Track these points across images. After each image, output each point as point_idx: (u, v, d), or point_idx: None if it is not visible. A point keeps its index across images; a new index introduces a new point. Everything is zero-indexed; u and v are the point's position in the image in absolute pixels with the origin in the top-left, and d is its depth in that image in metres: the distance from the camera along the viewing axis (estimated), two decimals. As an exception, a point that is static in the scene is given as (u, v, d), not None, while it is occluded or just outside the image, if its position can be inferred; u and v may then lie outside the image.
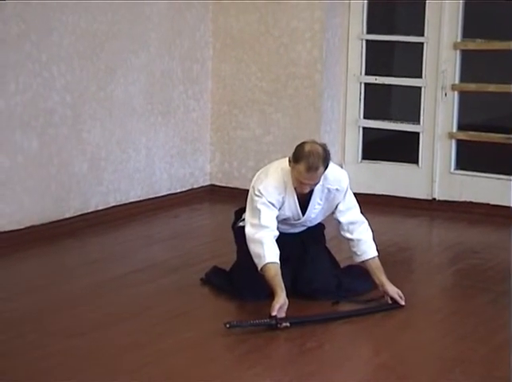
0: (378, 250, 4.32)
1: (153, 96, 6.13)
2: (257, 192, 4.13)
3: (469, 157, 6.45)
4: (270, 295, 4.18)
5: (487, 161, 6.32)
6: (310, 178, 4.03)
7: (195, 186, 6.59)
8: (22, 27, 5.10)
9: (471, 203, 6.24)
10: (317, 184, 4.12)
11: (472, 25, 6.27)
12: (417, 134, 6.43)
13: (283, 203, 4.17)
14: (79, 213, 5.59)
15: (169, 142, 6.31)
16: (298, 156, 4.03)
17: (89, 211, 5.66)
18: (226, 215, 5.02)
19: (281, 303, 3.93)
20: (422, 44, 6.31)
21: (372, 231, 4.36)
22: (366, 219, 4.36)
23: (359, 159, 6.61)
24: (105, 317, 4.03)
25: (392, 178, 6.49)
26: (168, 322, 3.99)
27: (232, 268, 4.45)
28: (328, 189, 4.21)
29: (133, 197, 6.03)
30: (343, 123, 6.59)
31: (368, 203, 6.24)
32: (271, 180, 4.16)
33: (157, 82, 6.14)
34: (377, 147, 6.71)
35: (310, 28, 6.26)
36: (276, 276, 4.03)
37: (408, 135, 6.47)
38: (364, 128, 6.59)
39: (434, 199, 6.39)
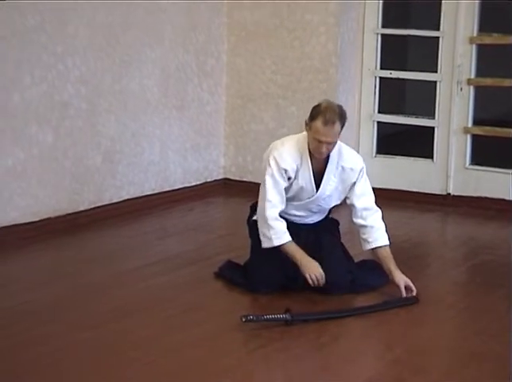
0: (390, 241, 4.32)
1: (168, 90, 6.13)
2: (271, 160, 4.19)
3: (484, 153, 6.42)
4: (283, 290, 4.21)
5: (503, 157, 6.29)
6: (327, 134, 4.06)
7: (208, 180, 6.59)
8: (37, 19, 5.11)
9: (485, 198, 6.22)
10: (334, 146, 4.14)
11: (488, 20, 6.24)
12: (432, 128, 6.40)
13: (297, 172, 4.20)
14: (94, 206, 5.61)
15: (183, 135, 6.32)
16: (314, 113, 4.12)
17: (103, 204, 5.68)
18: (239, 209, 5.02)
19: (313, 272, 4.11)
20: (438, 38, 6.29)
21: (385, 225, 4.35)
22: (384, 213, 4.37)
23: (374, 154, 6.59)
24: (119, 309, 4.04)
25: (407, 173, 6.47)
26: (183, 315, 3.99)
27: (246, 262, 4.46)
28: (342, 167, 4.25)
29: (147, 190, 6.04)
30: (358, 118, 6.57)
31: (382, 198, 6.20)
32: (287, 148, 4.22)
33: (171, 75, 6.14)
34: (391, 142, 6.69)
35: (325, 21, 6.25)
36: (293, 253, 4.17)
37: (423, 130, 6.45)
38: (379, 122, 6.57)
39: (449, 194, 6.37)
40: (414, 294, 4.21)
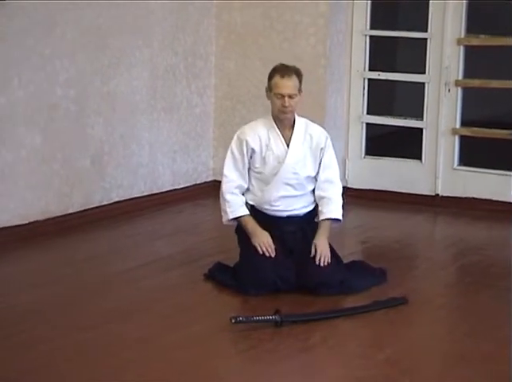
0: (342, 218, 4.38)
1: (157, 92, 6.12)
2: (234, 138, 4.38)
3: (472, 153, 6.44)
4: (273, 291, 4.21)
5: (491, 157, 6.32)
6: (286, 85, 4.25)
7: (198, 182, 6.59)
8: (26, 21, 5.10)
9: (474, 199, 6.24)
10: (296, 104, 4.29)
11: (476, 21, 6.26)
12: (421, 129, 6.42)
13: (267, 143, 4.32)
14: (83, 209, 5.59)
15: (172, 137, 6.31)
16: (271, 73, 4.33)
17: (92, 206, 5.67)
18: (229, 210, 5.00)
19: (262, 240, 4.25)
20: (426, 39, 6.31)
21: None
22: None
23: (363, 155, 6.61)
24: (110, 311, 4.04)
25: (395, 174, 6.48)
26: (173, 317, 3.99)
27: (236, 264, 4.46)
28: (310, 135, 4.38)
29: (136, 193, 6.03)
30: (347, 119, 6.59)
31: (371, 199, 6.27)
32: (249, 125, 4.43)
33: (160, 77, 6.14)
34: (380, 143, 6.70)
35: (314, 23, 6.26)
36: (246, 225, 4.34)
37: (411, 131, 6.47)
38: (367, 124, 6.59)
39: (437, 195, 6.39)
40: (324, 260, 4.24)
